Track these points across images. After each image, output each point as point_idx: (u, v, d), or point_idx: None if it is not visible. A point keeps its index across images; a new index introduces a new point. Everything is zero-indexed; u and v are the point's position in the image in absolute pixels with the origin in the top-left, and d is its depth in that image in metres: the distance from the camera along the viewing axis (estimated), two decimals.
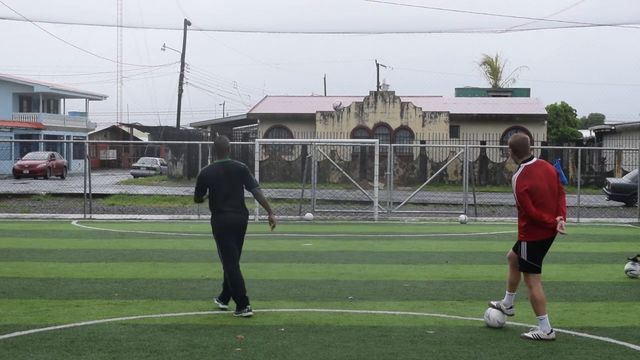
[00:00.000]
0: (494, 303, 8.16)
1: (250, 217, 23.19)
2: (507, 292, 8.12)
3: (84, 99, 72.76)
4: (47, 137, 63.09)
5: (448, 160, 39.27)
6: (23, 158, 49.73)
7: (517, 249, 7.96)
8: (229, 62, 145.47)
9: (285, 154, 46.34)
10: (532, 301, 7.76)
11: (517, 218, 8.00)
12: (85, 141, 36.79)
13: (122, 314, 8.65)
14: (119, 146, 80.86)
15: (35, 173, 46.52)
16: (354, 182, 26.06)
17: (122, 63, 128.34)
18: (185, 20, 57.14)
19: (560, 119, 56.74)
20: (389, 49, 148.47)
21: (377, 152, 22.71)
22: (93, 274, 11.40)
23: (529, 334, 7.66)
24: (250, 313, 8.50)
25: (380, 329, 8.01)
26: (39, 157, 48.86)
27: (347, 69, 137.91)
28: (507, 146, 7.89)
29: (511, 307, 8.10)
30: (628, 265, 11.67)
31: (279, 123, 48.30)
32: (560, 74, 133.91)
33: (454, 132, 46.24)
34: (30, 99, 67.27)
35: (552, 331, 7.62)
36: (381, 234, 17.96)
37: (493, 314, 8.09)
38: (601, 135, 52.70)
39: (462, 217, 21.12)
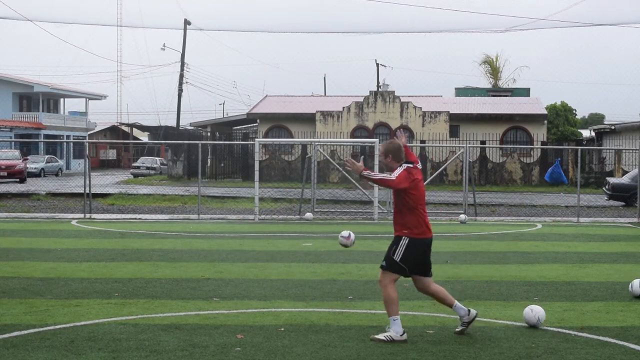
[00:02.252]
0: (459, 330, 7.83)
1: (250, 217, 23.24)
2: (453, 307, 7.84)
3: (84, 99, 72.83)
4: (47, 136, 63.13)
5: (448, 160, 39.28)
6: None
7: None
8: (229, 62, 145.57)
9: (285, 153, 46.35)
10: (385, 301, 7.59)
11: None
12: (85, 141, 36.80)
13: (122, 313, 8.65)
14: (118, 146, 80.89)
15: (14, 175, 40.64)
16: (354, 181, 26.07)
17: (122, 63, 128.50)
18: (185, 20, 57.18)
19: (560, 118, 56.75)
20: (389, 49, 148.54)
21: (377, 152, 22.71)
22: (93, 274, 11.40)
23: (380, 336, 7.49)
24: None
25: (380, 328, 8.00)
26: (13, 157, 42.90)
27: (347, 69, 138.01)
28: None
29: (468, 312, 7.80)
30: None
31: (279, 123, 48.29)
32: (560, 74, 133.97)
33: (453, 132, 46.24)
34: (30, 98, 67.32)
35: (404, 332, 7.48)
36: (381, 233, 17.96)
37: (541, 317, 8.10)
38: (601, 135, 52.70)
39: (462, 216, 21.12)
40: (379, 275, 7.75)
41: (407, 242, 7.62)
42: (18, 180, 40.64)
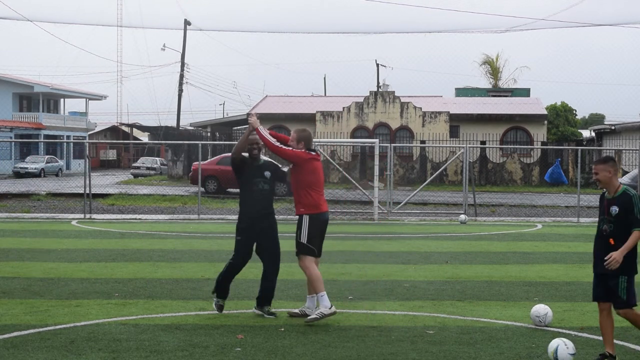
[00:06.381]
0: (296, 311, 8.51)
1: None
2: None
3: (84, 99, 72.78)
4: (47, 137, 63.09)
5: (448, 160, 39.28)
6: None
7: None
8: (229, 62, 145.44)
9: None
10: (310, 280, 8.36)
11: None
12: (85, 141, 36.78)
13: (122, 314, 8.65)
14: (119, 146, 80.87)
15: None
16: (354, 182, 26.06)
17: (122, 63, 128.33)
18: (185, 20, 57.14)
19: (560, 119, 56.76)
20: (389, 49, 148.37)
21: (377, 152, 22.72)
22: (93, 274, 11.40)
23: (313, 316, 8.07)
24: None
25: (380, 329, 8.02)
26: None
27: (347, 69, 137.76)
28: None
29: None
30: None
31: (279, 123, 48.27)
32: (561, 74, 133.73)
33: (454, 132, 46.24)
34: (30, 98, 67.27)
35: (332, 306, 8.13)
36: (381, 234, 17.96)
37: (549, 317, 8.17)
38: (601, 135, 52.68)
39: (462, 217, 21.11)
40: (298, 262, 8.48)
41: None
42: None
